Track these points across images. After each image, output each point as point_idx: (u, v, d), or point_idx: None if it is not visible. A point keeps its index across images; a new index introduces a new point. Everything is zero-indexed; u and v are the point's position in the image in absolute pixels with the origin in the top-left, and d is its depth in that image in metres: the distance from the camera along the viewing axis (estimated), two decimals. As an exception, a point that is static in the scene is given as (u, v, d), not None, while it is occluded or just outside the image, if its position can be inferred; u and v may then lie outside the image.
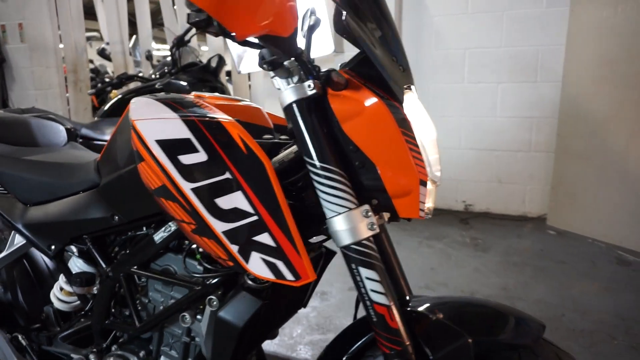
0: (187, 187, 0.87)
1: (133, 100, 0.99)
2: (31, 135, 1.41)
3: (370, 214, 0.87)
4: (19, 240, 1.31)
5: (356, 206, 0.86)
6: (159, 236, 1.07)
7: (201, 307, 1.04)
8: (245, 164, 0.87)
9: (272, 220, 0.86)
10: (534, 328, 0.92)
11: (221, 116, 0.91)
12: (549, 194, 3.36)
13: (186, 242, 1.09)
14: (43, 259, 1.52)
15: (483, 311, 0.94)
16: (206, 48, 4.61)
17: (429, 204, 0.90)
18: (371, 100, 0.86)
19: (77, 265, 1.26)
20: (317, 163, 0.86)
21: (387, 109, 0.86)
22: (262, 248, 0.86)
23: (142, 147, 0.90)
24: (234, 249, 0.87)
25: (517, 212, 3.54)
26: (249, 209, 0.86)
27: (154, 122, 0.90)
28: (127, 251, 1.17)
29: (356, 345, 0.98)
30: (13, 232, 1.33)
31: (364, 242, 0.86)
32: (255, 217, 0.86)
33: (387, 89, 0.88)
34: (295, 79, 0.91)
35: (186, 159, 0.88)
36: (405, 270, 1.02)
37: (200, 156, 0.88)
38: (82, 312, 1.25)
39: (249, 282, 0.94)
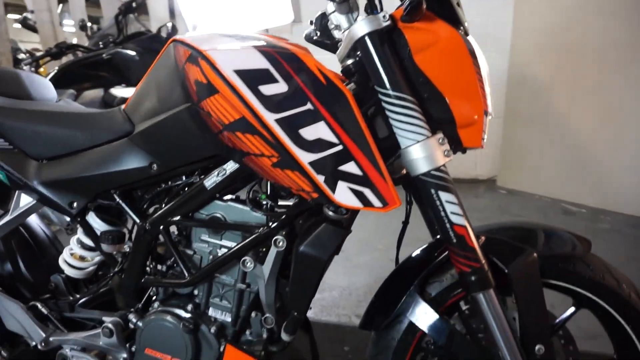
0: (270, 118, 0.85)
1: (188, 35, 0.94)
2: (24, 89, 1.26)
3: (444, 141, 0.90)
4: (26, 201, 1.18)
5: (431, 134, 0.89)
6: (210, 181, 1.02)
7: (263, 249, 1.02)
8: (325, 95, 0.86)
9: (357, 149, 0.86)
10: (582, 243, 1.02)
11: (295, 48, 0.89)
12: (499, 157, 3.63)
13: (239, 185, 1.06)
14: (41, 227, 1.38)
15: (538, 230, 1.03)
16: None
17: (485, 135, 0.96)
18: (447, 31, 0.89)
19: (95, 225, 1.17)
20: (392, 92, 0.88)
21: (462, 38, 0.89)
22: (349, 177, 0.87)
23: (217, 78, 0.85)
24: (320, 179, 0.87)
25: (470, 176, 3.78)
26: (333, 139, 0.86)
27: (230, 52, 0.86)
28: (164, 203, 1.11)
29: (422, 274, 1.02)
30: (17, 193, 1.19)
31: (442, 168, 0.90)
32: (340, 147, 0.86)
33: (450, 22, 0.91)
34: (355, 14, 0.91)
35: (267, 89, 0.85)
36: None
37: (281, 87, 0.86)
38: (111, 273, 1.17)
39: (330, 213, 0.94)
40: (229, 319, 1.10)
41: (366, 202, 0.87)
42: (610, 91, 3.06)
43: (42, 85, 1.31)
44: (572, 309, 1.04)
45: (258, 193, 1.03)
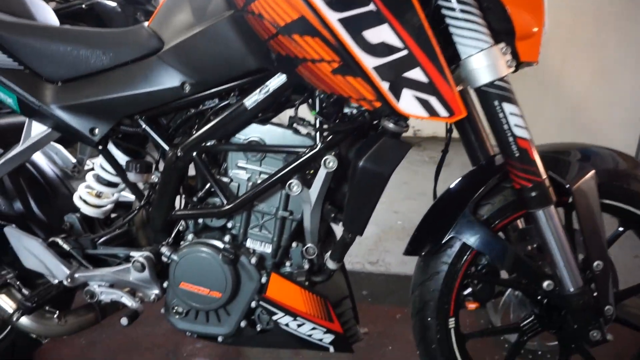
0: (333, 17, 0.78)
1: None
2: (27, 11, 1.13)
3: (507, 50, 0.86)
4: (38, 130, 1.08)
5: (494, 43, 0.84)
6: (251, 100, 0.95)
7: (311, 172, 0.96)
8: (389, -4, 0.79)
9: (423, 54, 0.81)
10: (627, 161, 1.00)
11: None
12: (491, 115, 3.63)
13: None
14: (49, 166, 1.28)
15: (588, 149, 1.01)
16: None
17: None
18: None
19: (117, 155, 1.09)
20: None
21: None
22: (414, 84, 0.81)
23: (271, -25, 0.77)
24: (385, 86, 0.81)
25: (461, 135, 3.78)
26: (398, 44, 0.80)
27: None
28: (196, 128, 1.03)
29: (473, 197, 0.99)
30: (27, 121, 1.08)
31: (505, 78, 0.86)
32: (405, 52, 0.80)
33: None
34: None
35: (327, -15, 0.78)
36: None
37: (342, -18, 0.78)
38: (139, 207, 1.09)
39: (390, 125, 0.89)
40: (268, 250, 1.05)
41: (432, 112, 0.82)
42: (605, 48, 3.08)
43: (46, 11, 1.19)
44: (619, 229, 1.04)
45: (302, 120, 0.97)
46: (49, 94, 1.02)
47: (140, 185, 1.11)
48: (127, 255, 1.10)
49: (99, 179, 1.14)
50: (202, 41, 0.93)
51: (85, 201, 1.15)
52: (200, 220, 1.07)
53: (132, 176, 1.06)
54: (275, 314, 1.02)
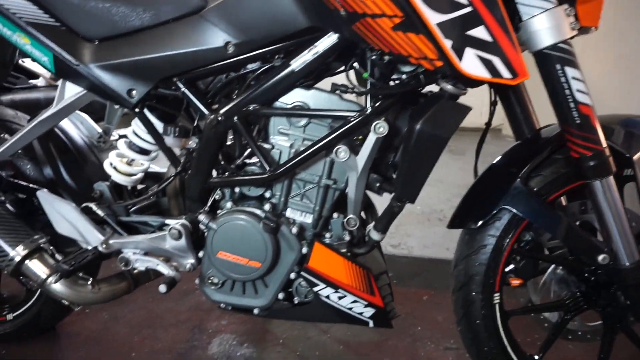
0: (397, -31, 0.74)
1: None
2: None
3: (571, 12, 0.82)
4: (73, 91, 1.04)
5: (558, 4, 0.81)
6: (299, 62, 0.91)
7: (359, 138, 0.93)
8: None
9: (487, 12, 0.77)
10: None
11: None
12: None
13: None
14: (78, 134, 1.25)
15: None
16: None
17: None
18: None
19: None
20: (517, -45, 0.78)
21: None
22: (477, 43, 0.78)
23: None
24: (447, 44, 0.77)
25: (475, 125, 3.73)
26: (463, 0, 0.76)
27: None
28: (236, 92, 1.00)
29: (524, 168, 0.95)
30: (61, 82, 1.05)
31: (569, 41, 0.82)
32: (469, 9, 0.76)
33: None
34: None
35: None
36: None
37: None
38: (174, 173, 1.05)
39: (449, 87, 0.85)
40: (308, 220, 1.02)
41: (495, 73, 0.79)
42: (625, 37, 3.04)
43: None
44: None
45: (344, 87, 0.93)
46: (86, 52, 0.98)
47: (177, 152, 1.07)
48: (161, 223, 1.07)
49: (132, 146, 1.11)
50: (244, 1, 0.89)
51: (116, 168, 1.12)
52: (237, 189, 1.04)
53: (169, 141, 1.03)
54: (316, 285, 0.99)
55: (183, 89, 0.99)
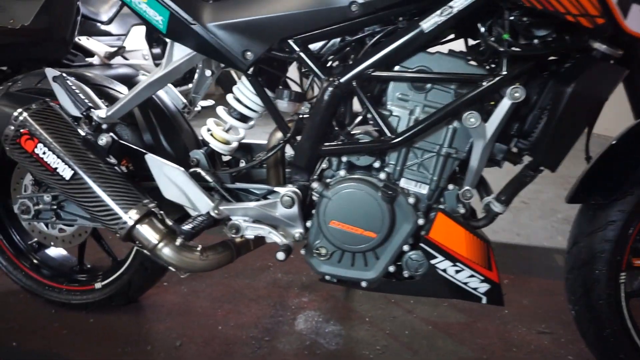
0: None
1: None
2: None
3: None
4: (182, 53, 1.02)
5: None
6: (430, 22, 0.87)
7: (491, 103, 0.89)
8: None
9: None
10: None
11: None
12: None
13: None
14: (171, 101, 1.22)
15: None
16: None
17: None
18: None
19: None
20: None
21: None
22: (646, -2, 0.73)
23: None
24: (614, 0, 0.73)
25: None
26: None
27: None
28: (354, 55, 0.96)
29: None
30: (169, 45, 1.02)
31: None
32: (639, -39, 0.71)
33: None
34: None
35: None
36: None
37: None
38: (284, 139, 1.02)
39: (603, 47, 0.80)
40: (423, 191, 0.98)
41: (662, 30, 0.74)
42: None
43: None
44: None
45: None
46: (203, 11, 0.96)
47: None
48: (267, 191, 1.04)
49: (231, 112, 1.08)
50: None
51: (213, 135, 1.10)
52: (344, 158, 1.00)
53: (282, 105, 1.00)
54: (434, 257, 0.95)
55: (299, 51, 0.96)
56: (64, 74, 1.02)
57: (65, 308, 1.33)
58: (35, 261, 1.35)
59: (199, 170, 1.04)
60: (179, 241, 0.98)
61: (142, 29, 3.21)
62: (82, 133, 1.03)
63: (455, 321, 1.33)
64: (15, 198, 1.21)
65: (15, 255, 1.35)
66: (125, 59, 3.12)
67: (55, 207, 1.14)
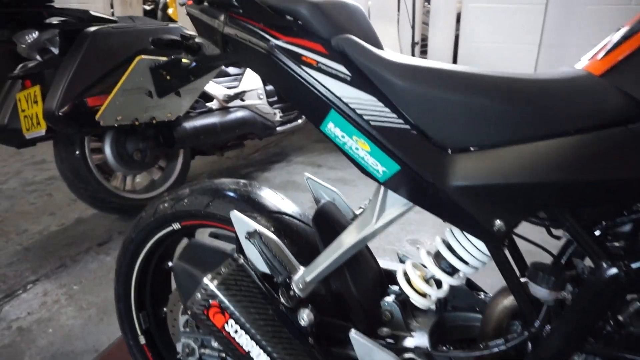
0: None
1: None
2: (377, 40, 0.84)
3: None
4: (399, 204, 0.79)
5: None
6: None
7: None
8: None
9: None
10: None
11: None
12: None
13: None
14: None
15: None
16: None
17: None
18: None
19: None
20: None
21: None
22: None
23: None
24: None
25: None
26: None
27: None
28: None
29: None
30: (382, 190, 0.80)
31: None
32: None
33: None
34: None
35: None
36: None
37: None
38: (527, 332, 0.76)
39: None
40: None
41: None
42: None
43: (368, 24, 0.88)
44: None
45: None
46: (442, 166, 0.72)
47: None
48: None
49: (440, 261, 0.85)
50: None
51: (410, 283, 0.87)
52: None
53: (542, 291, 0.73)
54: None
55: (575, 226, 0.69)
56: (259, 230, 0.83)
57: None
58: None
59: (414, 357, 0.81)
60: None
61: (257, 69, 3.10)
62: (281, 307, 0.83)
63: None
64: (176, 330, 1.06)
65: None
66: (242, 99, 3.03)
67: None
